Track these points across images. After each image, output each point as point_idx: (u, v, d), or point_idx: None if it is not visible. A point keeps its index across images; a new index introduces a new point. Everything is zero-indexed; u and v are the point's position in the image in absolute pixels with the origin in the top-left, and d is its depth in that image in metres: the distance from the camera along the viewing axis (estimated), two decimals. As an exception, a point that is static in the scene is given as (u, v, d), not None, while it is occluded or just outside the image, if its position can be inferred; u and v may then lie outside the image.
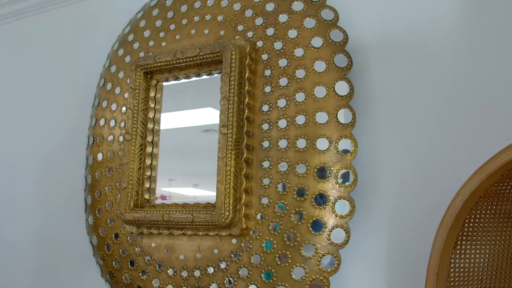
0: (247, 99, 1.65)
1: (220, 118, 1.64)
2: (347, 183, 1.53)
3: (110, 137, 1.97)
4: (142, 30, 1.97)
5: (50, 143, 2.35)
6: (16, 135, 2.49)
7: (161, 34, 1.92)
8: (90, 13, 2.33)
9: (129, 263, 1.84)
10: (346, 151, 1.53)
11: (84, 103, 2.17)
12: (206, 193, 1.97)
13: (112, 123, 1.98)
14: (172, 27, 1.90)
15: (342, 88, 1.57)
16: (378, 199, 1.56)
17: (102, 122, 2.01)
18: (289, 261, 1.55)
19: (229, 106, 1.62)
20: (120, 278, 1.85)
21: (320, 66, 1.59)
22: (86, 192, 2.02)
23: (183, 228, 1.71)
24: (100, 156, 1.99)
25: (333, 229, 1.52)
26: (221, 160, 1.61)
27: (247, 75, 1.66)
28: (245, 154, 1.63)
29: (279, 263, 1.56)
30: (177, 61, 1.76)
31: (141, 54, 1.93)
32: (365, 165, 1.57)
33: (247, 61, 1.67)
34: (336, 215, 1.52)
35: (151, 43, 1.94)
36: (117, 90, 1.99)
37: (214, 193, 1.61)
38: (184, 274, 1.72)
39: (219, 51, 1.68)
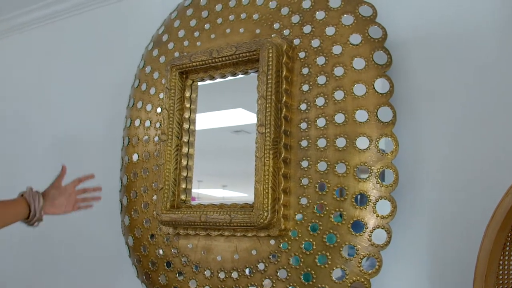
0: (284, 98, 1.63)
1: (257, 117, 1.62)
2: (388, 183, 1.49)
3: (145, 138, 1.97)
4: (177, 30, 1.97)
5: (85, 144, 2.36)
6: (52, 137, 2.52)
7: (196, 34, 1.91)
8: (123, 14, 2.34)
9: (165, 264, 1.83)
10: (386, 150, 1.50)
11: (119, 104, 2.17)
12: (235, 195, 1.96)
13: (147, 123, 1.98)
14: (206, 26, 1.89)
15: (382, 85, 1.53)
16: (420, 198, 1.52)
17: (137, 122, 2.01)
18: (329, 262, 1.52)
19: (267, 105, 1.60)
20: (157, 279, 1.85)
21: (359, 63, 1.56)
22: (122, 193, 2.02)
23: (220, 229, 1.69)
24: (135, 157, 1.99)
25: (374, 229, 1.48)
26: (259, 159, 1.59)
27: (284, 73, 1.64)
28: (283, 154, 1.60)
29: (318, 264, 1.53)
30: (213, 60, 1.75)
31: (176, 54, 1.93)
32: (406, 164, 1.53)
33: (284, 60, 1.64)
34: (377, 216, 1.48)
35: (185, 43, 1.93)
36: (152, 91, 1.98)
37: (243, 194, 1.60)
38: (221, 275, 1.70)
39: (255, 50, 1.66)
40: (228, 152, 1.99)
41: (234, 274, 1.68)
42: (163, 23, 2.05)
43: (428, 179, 1.52)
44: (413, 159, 1.54)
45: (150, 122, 1.97)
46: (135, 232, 1.94)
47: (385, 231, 1.48)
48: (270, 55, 1.62)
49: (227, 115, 1.98)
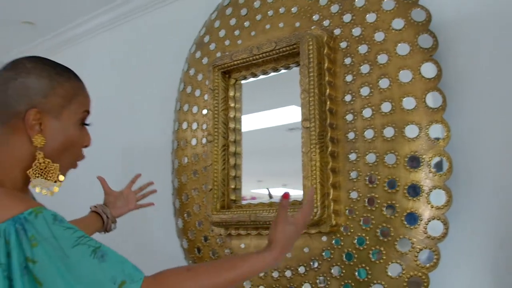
0: (328, 90, 1.58)
1: (302, 111, 1.59)
2: (441, 172, 1.42)
3: (194, 140, 1.98)
4: (217, 30, 1.96)
5: (136, 149, 2.40)
6: (104, 142, 2.57)
7: (236, 32, 1.90)
8: (167, 19, 2.35)
9: (219, 264, 1.82)
10: (438, 137, 1.43)
11: (167, 108, 2.19)
12: (296, 192, 1.92)
13: (194, 125, 1.98)
14: (246, 24, 1.87)
15: (428, 70, 1.46)
16: (477, 186, 1.43)
17: (184, 125, 2.03)
18: (384, 257, 1.46)
19: (310, 99, 1.56)
20: (212, 280, 1.84)
21: (403, 48, 1.49)
22: (174, 196, 2.04)
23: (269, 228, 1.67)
24: (185, 160, 2.00)
25: (430, 221, 1.41)
26: (306, 155, 1.56)
27: (326, 65, 1.60)
28: (330, 148, 1.56)
29: (373, 260, 1.48)
30: (254, 57, 1.73)
31: (218, 55, 1.92)
32: (460, 151, 1.45)
33: (325, 51, 1.60)
34: (432, 207, 1.41)
35: (226, 42, 1.92)
36: (197, 93, 1.99)
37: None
38: (275, 274, 1.68)
39: (295, 43, 1.62)
40: (286, 151, 1.95)
41: (288, 273, 1.65)
42: (204, 25, 2.05)
43: (485, 165, 1.43)
44: (468, 146, 1.45)
45: (197, 124, 1.97)
46: (189, 234, 1.95)
47: (442, 222, 1.40)
48: (311, 48, 1.58)
49: (280, 113, 1.95)
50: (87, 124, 1.15)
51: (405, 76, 1.48)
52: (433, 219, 1.41)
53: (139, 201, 1.74)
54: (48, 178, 1.05)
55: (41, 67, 1.07)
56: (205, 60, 1.97)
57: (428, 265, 1.41)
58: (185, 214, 1.97)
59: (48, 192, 1.07)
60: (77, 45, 2.81)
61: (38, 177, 1.05)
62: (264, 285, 1.70)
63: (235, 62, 1.78)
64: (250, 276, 1.15)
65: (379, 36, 1.54)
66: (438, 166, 1.44)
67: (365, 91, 1.54)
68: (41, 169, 1.05)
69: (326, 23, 1.65)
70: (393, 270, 1.46)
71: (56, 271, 0.92)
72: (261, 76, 1.81)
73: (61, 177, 1.07)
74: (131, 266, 0.99)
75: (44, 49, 2.98)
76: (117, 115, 2.53)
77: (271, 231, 1.17)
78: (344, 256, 1.53)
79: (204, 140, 1.93)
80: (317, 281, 1.58)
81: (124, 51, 2.55)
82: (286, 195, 1.16)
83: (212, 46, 1.97)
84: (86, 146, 1.16)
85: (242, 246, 1.76)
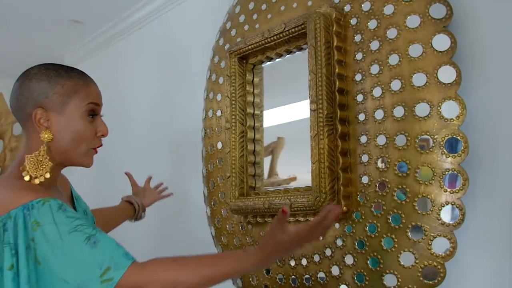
0: (337, 70, 1.50)
1: (309, 94, 1.52)
2: (456, 153, 1.30)
3: (218, 128, 1.96)
4: (237, 16, 1.93)
5: (168, 139, 2.44)
6: (138, 134, 2.64)
7: (254, 17, 1.86)
8: (199, 9, 2.35)
9: (242, 252, 1.81)
10: (451, 116, 1.31)
11: (196, 98, 2.19)
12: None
13: (218, 113, 1.97)
14: (263, 7, 1.83)
15: (441, 42, 1.34)
16: (496, 168, 1.29)
17: (210, 113, 2.02)
18: (396, 245, 1.37)
19: (317, 80, 1.49)
20: (236, 268, 1.83)
21: (413, 21, 1.38)
22: (203, 184, 2.04)
23: (285, 215, 1.62)
24: (211, 148, 1.99)
25: (443, 206, 1.30)
26: (313, 139, 1.49)
27: (335, 43, 1.51)
28: (339, 130, 1.48)
29: (385, 248, 1.39)
30: (266, 40, 1.68)
31: (238, 40, 1.89)
32: (476, 130, 1.32)
33: (334, 29, 1.52)
34: (446, 191, 1.30)
35: (246, 27, 1.89)
36: (220, 80, 1.97)
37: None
38: (292, 262, 1.63)
39: (303, 23, 1.56)
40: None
41: (304, 261, 1.60)
42: (227, 11, 2.02)
43: (504, 145, 1.29)
44: (485, 123, 1.32)
45: (221, 111, 1.96)
46: (215, 222, 1.95)
47: (457, 207, 1.29)
48: (318, 26, 1.51)
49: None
50: (95, 114, 1.25)
51: (415, 50, 1.37)
52: (447, 204, 1.30)
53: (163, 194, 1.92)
54: (39, 169, 1.17)
55: (42, 72, 1.21)
56: (227, 47, 1.95)
57: (443, 254, 1.30)
58: (212, 202, 1.97)
59: (32, 180, 1.14)
60: (120, 41, 2.89)
61: (31, 165, 1.16)
62: (282, 273, 1.66)
63: (250, 47, 1.74)
64: (235, 273, 1.18)
65: (388, 9, 1.43)
66: (452, 146, 1.32)
67: (375, 69, 1.45)
68: (37, 160, 1.15)
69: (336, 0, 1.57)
70: (406, 259, 1.36)
71: (51, 253, 1.04)
72: (277, 59, 1.76)
73: (47, 175, 1.18)
74: (122, 253, 1.07)
75: (92, 47, 3.11)
76: (160, 104, 2.57)
77: (265, 233, 1.19)
78: (356, 244, 1.46)
79: (227, 127, 1.91)
80: (331, 269, 1.52)
81: (160, 44, 2.59)
82: (284, 211, 1.14)
83: (233, 32, 1.94)
84: (102, 136, 1.27)
85: (262, 233, 1.73)
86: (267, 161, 1.84)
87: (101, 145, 1.28)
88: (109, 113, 2.91)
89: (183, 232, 2.31)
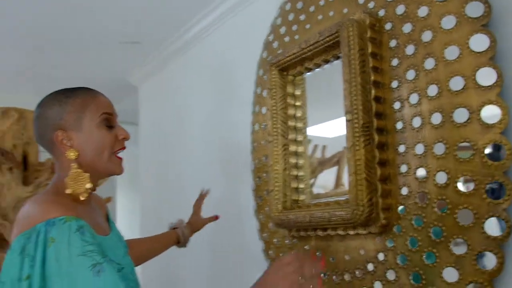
0: (372, 77, 1.45)
1: (344, 104, 1.48)
2: (499, 160, 1.20)
3: (264, 141, 1.96)
4: (279, 28, 1.92)
5: (223, 153, 2.45)
6: (194, 149, 2.67)
7: (294, 28, 1.84)
8: (244, 26, 2.37)
9: (289, 267, 1.77)
10: (492, 120, 1.22)
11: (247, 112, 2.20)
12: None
13: (263, 126, 1.96)
14: (302, 17, 1.80)
15: (479, 42, 1.25)
16: (544, 175, 1.19)
17: (257, 127, 2.02)
18: (438, 260, 1.29)
19: (351, 89, 1.45)
20: (284, 283, 1.80)
21: (448, 21, 1.31)
22: (254, 197, 2.04)
23: (326, 229, 1.58)
24: (257, 161, 1.99)
25: (487, 218, 1.21)
26: (349, 150, 1.44)
27: (370, 50, 1.46)
28: (376, 139, 1.42)
29: (426, 263, 1.31)
30: (303, 51, 1.66)
31: (279, 52, 1.88)
32: (521, 134, 1.22)
33: (368, 35, 1.47)
34: (489, 202, 1.20)
35: (286, 39, 1.87)
36: (264, 93, 1.97)
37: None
38: (336, 278, 1.58)
39: (336, 31, 1.52)
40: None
41: (347, 276, 1.54)
42: (270, 24, 2.02)
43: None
44: (531, 127, 1.22)
45: (266, 125, 1.95)
46: (264, 236, 1.93)
47: (503, 219, 1.19)
48: (351, 34, 1.46)
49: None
50: (110, 126, 1.28)
51: (451, 52, 1.29)
52: (492, 215, 1.20)
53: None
54: (80, 183, 1.22)
55: (52, 98, 1.27)
56: (270, 60, 1.94)
57: (490, 269, 1.21)
58: (261, 216, 1.96)
59: (78, 195, 1.22)
60: (176, 59, 2.97)
61: (72, 183, 1.22)
62: (327, 289, 1.61)
63: (288, 58, 1.72)
64: None
65: (422, 11, 1.37)
66: (495, 154, 1.23)
67: (410, 74, 1.38)
68: (74, 177, 1.20)
69: (371, 5, 1.52)
70: (449, 275, 1.28)
71: (57, 272, 1.07)
72: (316, 70, 1.72)
73: (88, 185, 1.23)
74: None
75: (152, 66, 3.21)
76: (215, 120, 2.61)
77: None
78: (398, 258, 1.39)
79: (272, 141, 1.89)
80: (374, 286, 1.45)
81: (212, 60, 2.62)
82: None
83: (275, 44, 1.93)
84: (124, 139, 1.30)
85: (306, 247, 1.69)
86: (332, 172, 1.78)
87: (123, 148, 1.30)
88: (168, 130, 3.01)
89: (235, 245, 2.31)
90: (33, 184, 2.65)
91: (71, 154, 1.23)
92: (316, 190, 1.81)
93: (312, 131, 1.80)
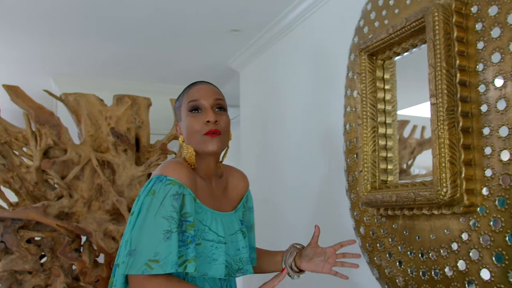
0: (458, 61, 1.48)
1: (429, 88, 1.52)
2: None
3: (355, 124, 2.03)
4: (369, 13, 1.97)
5: (322, 136, 2.54)
6: (294, 132, 2.78)
7: (383, 13, 1.88)
8: (338, 11, 2.43)
9: (378, 244, 1.86)
10: None
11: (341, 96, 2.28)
12: None
13: (354, 109, 2.03)
14: (391, 2, 1.84)
15: None
16: None
17: (348, 109, 2.09)
18: (521, 241, 1.31)
19: (436, 73, 1.48)
20: (373, 259, 1.89)
21: (535, 3, 1.30)
22: (346, 177, 2.13)
23: (412, 208, 1.64)
24: (349, 143, 2.07)
25: None
26: (433, 133, 1.49)
27: (455, 34, 1.48)
28: (461, 123, 1.46)
29: (510, 244, 1.34)
30: (390, 36, 1.70)
31: (369, 37, 1.93)
32: None
33: (454, 19, 1.49)
34: None
35: (376, 24, 1.92)
36: (355, 77, 2.03)
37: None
38: (422, 256, 1.64)
39: (422, 17, 1.55)
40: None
41: (432, 255, 1.59)
42: (361, 9, 2.07)
43: None
44: None
45: (356, 108, 2.01)
46: (355, 214, 2.02)
47: None
48: (436, 19, 1.49)
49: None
50: (195, 109, 1.46)
51: (537, 35, 1.29)
52: None
53: (336, 271, 1.60)
54: (190, 159, 1.47)
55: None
56: (360, 45, 2.00)
57: None
58: (352, 195, 2.04)
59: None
60: (274, 45, 3.09)
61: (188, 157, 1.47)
62: (413, 266, 1.67)
63: (377, 43, 1.77)
64: None
65: (509, -7, 1.37)
66: None
67: (496, 57, 1.39)
68: (184, 149, 1.48)
69: (458, -12, 1.53)
70: (533, 256, 1.30)
71: (143, 217, 1.29)
72: (405, 54, 1.76)
73: (192, 158, 1.46)
74: (173, 261, 1.26)
75: (251, 52, 3.36)
76: (313, 103, 2.71)
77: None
78: (481, 239, 1.42)
79: (363, 123, 1.96)
80: (458, 264, 1.49)
81: (308, 45, 2.71)
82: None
83: (366, 30, 1.99)
84: (208, 122, 1.45)
85: (394, 226, 1.76)
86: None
87: (211, 130, 1.42)
88: (268, 112, 3.16)
89: (328, 222, 2.42)
90: (145, 164, 2.93)
91: (180, 140, 1.51)
92: (416, 170, 1.86)
93: (410, 111, 1.84)
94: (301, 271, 1.63)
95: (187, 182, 1.36)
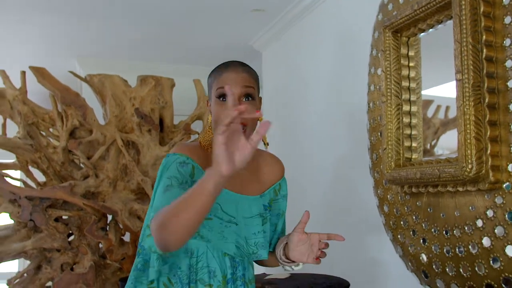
0: (484, 37, 1.46)
1: (454, 63, 1.50)
2: None
3: (379, 101, 2.02)
4: (393, -10, 1.95)
5: (345, 114, 2.54)
6: (316, 110, 2.78)
7: (408, -11, 1.86)
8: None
9: (401, 222, 1.86)
10: None
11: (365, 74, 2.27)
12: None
13: (378, 87, 2.03)
14: (416, -22, 1.82)
15: None
16: None
17: (372, 88, 2.09)
18: (547, 218, 1.30)
19: (462, 49, 1.47)
20: (397, 237, 1.89)
21: None
22: (369, 155, 2.13)
23: (437, 185, 1.63)
24: (373, 121, 2.06)
25: None
26: (459, 109, 1.48)
27: (482, 9, 1.46)
28: (487, 99, 1.44)
29: (535, 220, 1.33)
30: (415, 12, 1.69)
31: (394, 14, 1.91)
32: None
33: (481, -6, 1.47)
34: None
35: (401, 0, 1.90)
36: (379, 55, 2.02)
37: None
38: (446, 233, 1.64)
39: (449, -8, 1.53)
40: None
41: (456, 232, 1.59)
42: (386, -14, 2.05)
43: None
44: None
45: (380, 86, 2.00)
46: (379, 192, 2.02)
47: None
48: (462, -7, 1.47)
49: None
50: (224, 96, 1.42)
51: None
52: None
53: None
54: (205, 137, 1.50)
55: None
56: (384, 21, 1.99)
57: None
58: (375, 173, 2.04)
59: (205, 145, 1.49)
60: (296, 24, 3.08)
61: (201, 135, 1.51)
62: (438, 243, 1.68)
63: (401, 20, 1.76)
64: (202, 194, 1.11)
65: (538, -34, 1.34)
66: None
67: (524, 32, 1.38)
68: (205, 132, 1.50)
69: (485, -38, 1.51)
70: (559, 232, 1.29)
71: (157, 180, 1.40)
72: (430, 30, 1.75)
73: (209, 140, 1.48)
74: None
75: (274, 32, 3.35)
76: (335, 82, 2.71)
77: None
78: (506, 215, 1.42)
79: (387, 101, 1.96)
80: (483, 241, 1.49)
81: (331, 24, 2.70)
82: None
83: (390, 6, 1.96)
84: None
85: (418, 203, 1.76)
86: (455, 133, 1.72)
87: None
88: (291, 92, 3.16)
89: (351, 201, 2.43)
90: (169, 144, 2.96)
91: (209, 120, 1.48)
92: (440, 151, 1.85)
93: (434, 91, 1.83)
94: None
95: (194, 157, 1.39)
